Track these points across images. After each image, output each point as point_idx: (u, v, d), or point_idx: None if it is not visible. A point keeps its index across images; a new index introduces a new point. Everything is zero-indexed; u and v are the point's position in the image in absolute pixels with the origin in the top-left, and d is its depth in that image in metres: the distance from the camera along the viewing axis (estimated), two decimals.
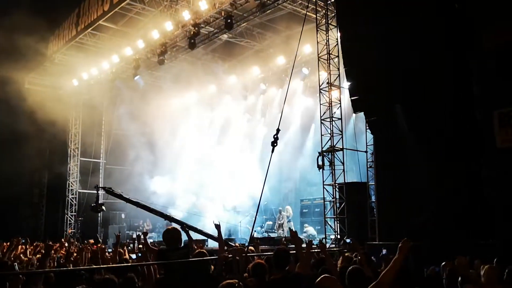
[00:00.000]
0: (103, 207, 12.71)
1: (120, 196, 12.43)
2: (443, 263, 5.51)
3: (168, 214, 12.89)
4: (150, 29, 18.59)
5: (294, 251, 5.59)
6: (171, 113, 25.14)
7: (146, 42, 19.12)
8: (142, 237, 7.48)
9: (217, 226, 6.59)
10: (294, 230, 6.93)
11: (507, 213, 8.73)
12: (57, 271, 6.16)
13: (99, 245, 11.90)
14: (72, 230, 23.08)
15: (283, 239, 14.56)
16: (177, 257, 5.77)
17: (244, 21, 17.65)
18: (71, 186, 24.66)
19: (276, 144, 6.52)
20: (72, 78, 23.04)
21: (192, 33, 17.54)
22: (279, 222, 18.48)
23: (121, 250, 8.10)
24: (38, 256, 9.03)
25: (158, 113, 23.70)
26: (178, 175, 22.30)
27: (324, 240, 13.68)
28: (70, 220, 24.08)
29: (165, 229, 6.62)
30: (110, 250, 12.22)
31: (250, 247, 7.45)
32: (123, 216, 22.82)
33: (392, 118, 10.83)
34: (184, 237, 6.45)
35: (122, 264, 6.70)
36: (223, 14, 16.84)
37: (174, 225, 11.15)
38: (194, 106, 25.26)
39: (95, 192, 13.85)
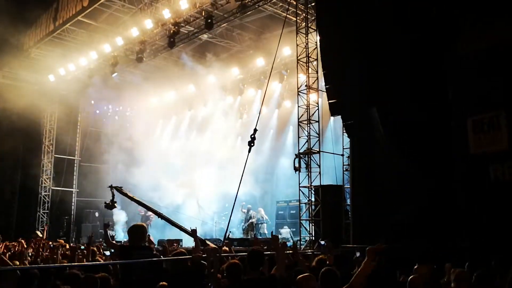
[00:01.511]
0: (116, 205, 12.74)
1: (126, 195, 12.51)
2: (409, 278, 5.29)
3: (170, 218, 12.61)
4: (129, 26, 18.42)
5: (270, 253, 5.61)
6: (148, 111, 24.99)
7: (125, 39, 18.94)
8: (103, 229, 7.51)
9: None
10: (270, 234, 7.03)
11: (478, 218, 8.90)
12: (28, 268, 6.05)
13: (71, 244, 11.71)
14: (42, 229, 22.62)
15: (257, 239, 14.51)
16: (141, 257, 5.67)
17: (224, 21, 17.64)
18: (44, 183, 24.16)
19: (253, 144, 6.56)
20: (49, 74, 22.61)
21: (172, 32, 17.45)
22: (252, 220, 18.34)
23: (94, 249, 8.01)
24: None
25: (136, 111, 23.50)
26: (154, 174, 22.07)
27: (298, 242, 13.74)
28: (42, 218, 23.63)
29: (132, 224, 6.56)
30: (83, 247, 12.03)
31: (225, 248, 7.47)
32: (96, 214, 22.52)
33: (368, 121, 10.93)
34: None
35: (93, 263, 6.61)
36: (203, 14, 16.79)
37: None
38: (172, 105, 25.14)
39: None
